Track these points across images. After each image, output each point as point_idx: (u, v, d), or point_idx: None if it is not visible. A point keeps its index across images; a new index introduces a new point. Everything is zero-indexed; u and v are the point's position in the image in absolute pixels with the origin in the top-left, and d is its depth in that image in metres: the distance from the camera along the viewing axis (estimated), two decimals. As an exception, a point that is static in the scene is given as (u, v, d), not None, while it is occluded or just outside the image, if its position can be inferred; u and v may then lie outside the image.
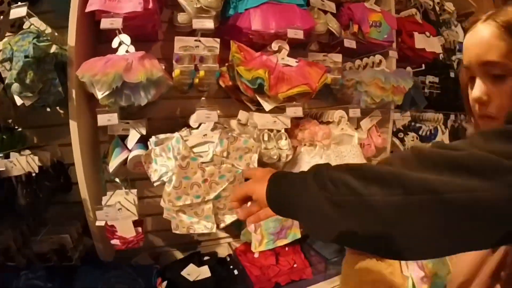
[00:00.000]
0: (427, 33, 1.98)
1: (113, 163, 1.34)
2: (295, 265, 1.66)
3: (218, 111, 1.39)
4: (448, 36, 2.35)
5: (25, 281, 1.32)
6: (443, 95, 2.24)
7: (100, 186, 1.47)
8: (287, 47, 1.49)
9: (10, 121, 1.44)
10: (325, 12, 1.68)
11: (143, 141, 1.38)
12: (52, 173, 1.41)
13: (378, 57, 1.82)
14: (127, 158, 1.35)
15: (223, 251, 1.80)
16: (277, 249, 1.64)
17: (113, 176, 1.41)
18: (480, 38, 0.68)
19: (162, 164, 1.31)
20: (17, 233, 1.37)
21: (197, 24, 1.30)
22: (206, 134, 1.35)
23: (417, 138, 2.20)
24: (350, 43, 1.66)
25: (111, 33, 1.25)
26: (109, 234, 1.35)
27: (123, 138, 1.42)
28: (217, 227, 1.42)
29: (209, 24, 1.31)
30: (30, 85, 1.13)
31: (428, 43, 1.97)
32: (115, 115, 1.23)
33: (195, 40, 1.33)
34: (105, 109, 1.23)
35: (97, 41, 1.48)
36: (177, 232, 1.39)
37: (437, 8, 2.24)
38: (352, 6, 1.74)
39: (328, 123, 1.74)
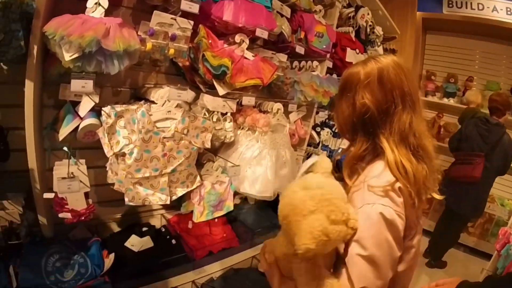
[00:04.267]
0: (357, 50, 2.37)
1: (64, 131, 1.28)
2: (224, 235, 1.90)
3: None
4: (371, 54, 2.72)
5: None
6: (356, 101, 2.65)
7: (44, 155, 1.40)
8: (247, 41, 1.66)
9: None
10: (281, 15, 1.89)
11: (93, 109, 1.32)
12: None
13: (315, 63, 2.13)
14: (78, 126, 1.29)
15: (156, 222, 1.92)
16: (209, 221, 1.80)
17: (61, 145, 1.33)
18: None
19: (125, 137, 1.34)
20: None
21: (185, 6, 1.35)
22: (170, 111, 1.42)
23: (331, 134, 2.61)
24: (300, 49, 1.91)
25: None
26: (57, 208, 1.27)
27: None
28: (170, 199, 1.51)
29: (195, 9, 1.37)
30: (-8, 35, 0.96)
31: (356, 58, 2.34)
32: (91, 82, 1.18)
33: (171, 18, 1.36)
34: (80, 74, 1.17)
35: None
36: (132, 204, 1.43)
37: (368, 30, 2.63)
38: (304, 15, 1.99)
39: (265, 112, 1.98)
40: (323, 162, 0.89)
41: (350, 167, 0.98)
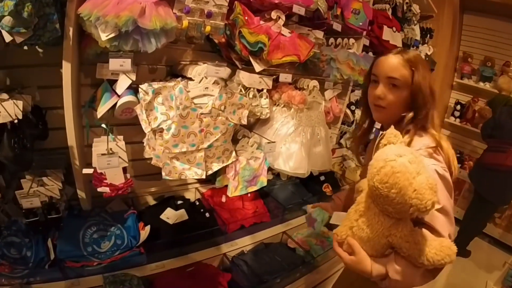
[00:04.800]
0: (394, 28, 2.28)
1: (103, 108, 1.29)
2: (256, 209, 1.92)
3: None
4: (408, 32, 2.67)
5: (1, 239, 1.27)
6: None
7: (82, 133, 1.44)
8: (283, 17, 1.63)
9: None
10: (318, -10, 1.82)
11: (130, 87, 1.33)
12: (32, 120, 1.27)
13: (351, 40, 2.08)
14: (115, 103, 1.31)
15: (190, 195, 1.95)
16: (242, 195, 1.79)
17: (99, 122, 1.35)
18: (391, 62, 1.13)
19: (163, 113, 1.35)
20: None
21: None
22: (207, 87, 1.43)
23: (365, 112, 2.54)
24: (337, 26, 1.87)
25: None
26: (96, 182, 1.29)
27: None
28: (205, 174, 1.51)
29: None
30: (26, 19, 0.97)
31: (393, 36, 2.28)
32: (129, 60, 1.20)
33: (206, -5, 1.33)
34: (118, 53, 1.19)
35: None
36: (169, 178, 1.44)
37: (405, 7, 2.54)
38: (341, -9, 1.92)
39: (301, 89, 1.95)
40: (398, 134, 1.00)
41: None
